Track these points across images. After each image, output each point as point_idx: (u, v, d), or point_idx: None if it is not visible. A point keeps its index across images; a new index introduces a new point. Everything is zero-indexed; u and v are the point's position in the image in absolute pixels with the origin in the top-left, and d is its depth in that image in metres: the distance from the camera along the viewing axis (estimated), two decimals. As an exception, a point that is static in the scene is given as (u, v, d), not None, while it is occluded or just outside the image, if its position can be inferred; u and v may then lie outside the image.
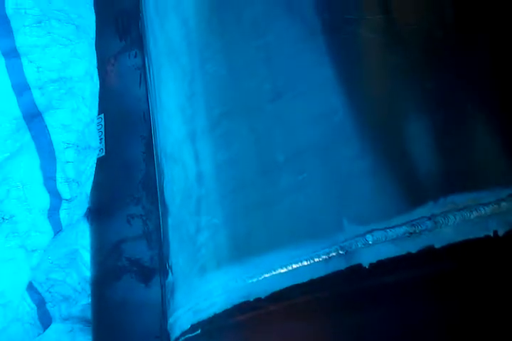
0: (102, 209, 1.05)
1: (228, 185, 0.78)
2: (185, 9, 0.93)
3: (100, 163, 1.06)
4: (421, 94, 0.71)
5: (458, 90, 0.71)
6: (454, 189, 0.65)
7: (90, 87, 1.08)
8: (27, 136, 0.99)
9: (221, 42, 0.86)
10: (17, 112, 0.99)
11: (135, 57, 1.10)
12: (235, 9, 0.86)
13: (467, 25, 0.75)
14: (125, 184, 1.02)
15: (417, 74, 0.73)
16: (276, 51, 0.80)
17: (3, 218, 0.94)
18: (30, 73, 1.01)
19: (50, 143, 1.00)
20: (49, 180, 0.99)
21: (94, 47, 1.10)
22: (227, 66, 0.84)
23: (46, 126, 1.00)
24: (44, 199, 0.99)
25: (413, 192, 0.67)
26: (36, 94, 1.01)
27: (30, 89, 1.00)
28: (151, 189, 0.98)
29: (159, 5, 1.00)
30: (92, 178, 1.06)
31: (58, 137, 1.01)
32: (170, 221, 0.88)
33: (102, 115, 1.09)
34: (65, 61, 1.05)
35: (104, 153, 1.06)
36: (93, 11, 1.13)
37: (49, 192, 0.99)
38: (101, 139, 1.07)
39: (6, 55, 0.99)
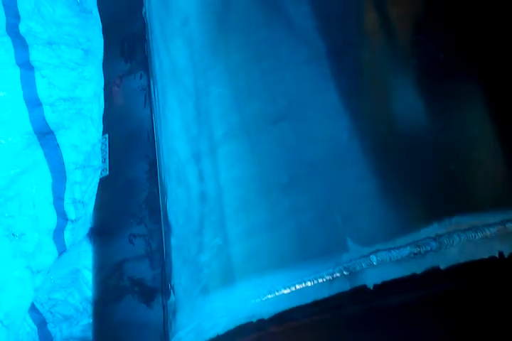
0: (105, 229, 1.04)
1: (231, 206, 0.78)
2: (190, 31, 0.94)
3: (104, 182, 1.06)
4: (425, 116, 0.72)
5: (461, 112, 0.72)
6: (458, 209, 0.65)
7: (98, 109, 1.09)
8: (39, 153, 0.98)
9: (225, 64, 0.87)
10: (28, 127, 0.99)
11: (140, 78, 1.12)
12: (239, 32, 0.88)
13: (468, 47, 0.76)
14: (128, 203, 1.02)
15: (421, 96, 0.74)
16: (280, 74, 0.81)
17: (13, 234, 0.93)
18: (42, 88, 1.02)
19: (62, 163, 1.00)
20: (58, 200, 0.99)
21: (102, 70, 1.12)
22: (230, 87, 0.85)
23: (58, 145, 1.01)
24: (52, 220, 0.98)
25: (418, 212, 0.67)
26: (47, 111, 1.01)
27: (41, 105, 1.01)
28: (154, 208, 0.98)
29: (165, 27, 1.02)
30: (94, 198, 1.06)
31: (69, 157, 1.01)
32: (173, 241, 0.88)
33: (107, 135, 1.10)
34: (74, 82, 1.07)
35: (108, 173, 1.07)
36: (101, 34, 1.15)
37: (57, 212, 0.99)
38: (105, 159, 1.08)
39: (21, 66, 1.00)
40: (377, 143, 0.72)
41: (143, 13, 1.13)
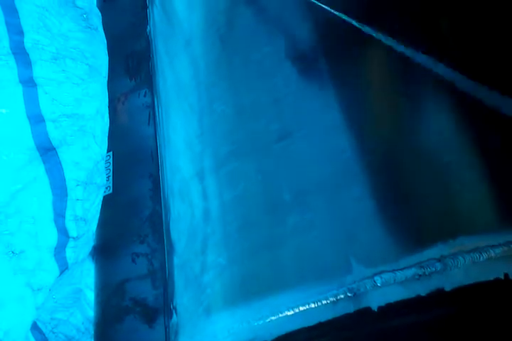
0: (108, 247, 1.04)
1: (234, 224, 0.78)
2: (194, 50, 0.95)
3: (107, 200, 1.06)
4: (426, 135, 0.72)
5: (463, 131, 0.72)
6: (462, 230, 0.65)
7: (101, 126, 1.09)
8: (41, 169, 0.98)
9: (229, 83, 0.87)
10: (30, 143, 0.98)
11: (144, 96, 1.12)
12: (242, 51, 0.88)
13: (474, 63, 0.76)
14: (131, 222, 1.02)
15: (423, 115, 0.74)
16: (283, 92, 0.81)
17: (13, 252, 0.93)
18: (45, 104, 1.01)
19: (63, 180, 1.00)
20: (59, 217, 0.98)
21: (105, 87, 1.12)
22: (234, 106, 0.85)
23: (60, 161, 1.00)
24: (52, 237, 0.97)
25: (421, 233, 0.66)
26: (50, 126, 1.01)
27: (44, 121, 1.00)
28: (157, 227, 0.97)
29: (169, 46, 1.03)
30: (98, 216, 1.06)
31: (70, 174, 1.00)
32: (175, 260, 0.87)
33: (111, 153, 1.10)
34: (77, 98, 1.07)
35: (111, 191, 1.06)
36: (106, 52, 1.16)
37: (58, 229, 0.98)
38: (108, 177, 1.08)
39: (23, 83, 1.00)
40: (378, 163, 0.72)
41: (147, 31, 1.14)
